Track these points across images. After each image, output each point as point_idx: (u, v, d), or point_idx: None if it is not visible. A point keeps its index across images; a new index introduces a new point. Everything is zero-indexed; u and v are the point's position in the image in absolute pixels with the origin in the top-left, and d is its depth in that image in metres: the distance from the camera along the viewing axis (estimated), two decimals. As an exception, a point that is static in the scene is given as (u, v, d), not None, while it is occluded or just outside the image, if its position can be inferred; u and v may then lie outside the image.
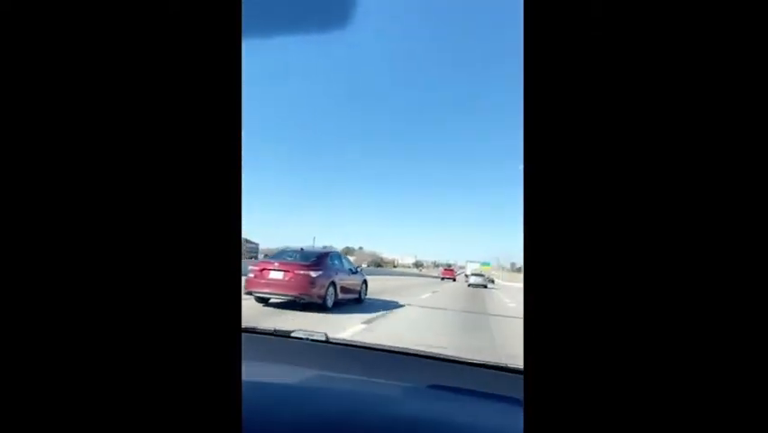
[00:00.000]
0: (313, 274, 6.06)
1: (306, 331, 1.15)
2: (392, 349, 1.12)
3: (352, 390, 0.78)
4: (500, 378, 0.96)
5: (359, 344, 1.19)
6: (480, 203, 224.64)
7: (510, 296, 15.43)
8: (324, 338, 1.12)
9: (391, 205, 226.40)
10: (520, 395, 0.70)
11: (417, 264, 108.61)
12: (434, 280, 30.33)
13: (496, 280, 45.95)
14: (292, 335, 1.14)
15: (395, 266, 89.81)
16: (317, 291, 6.06)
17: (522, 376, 0.75)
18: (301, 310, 5.81)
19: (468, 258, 77.65)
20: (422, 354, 1.09)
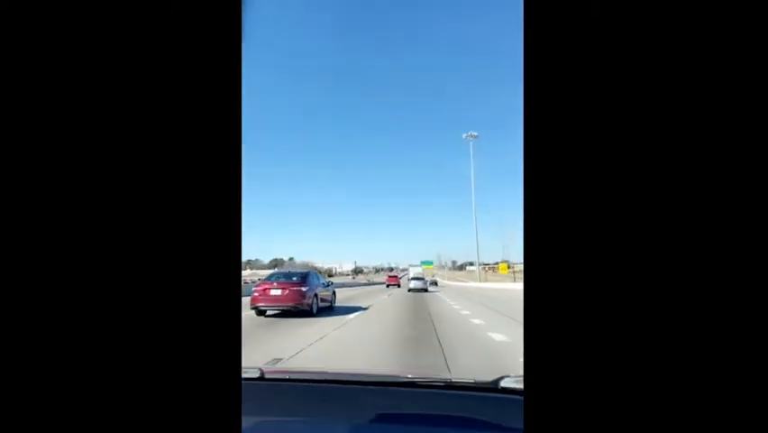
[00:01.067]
0: (303, 289, 8.85)
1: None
2: (334, 379, 1.14)
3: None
4: (447, 397, 1.00)
5: (298, 377, 1.21)
6: (420, 204, 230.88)
7: (451, 298, 17.57)
8: (258, 375, 1.09)
9: (324, 212, 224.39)
10: (469, 414, 0.84)
11: (357, 271, 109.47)
12: (377, 287, 31.78)
13: (439, 281, 45.88)
14: None
15: (330, 275, 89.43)
16: (307, 301, 8.81)
17: (471, 393, 1.00)
18: (295, 317, 8.34)
19: (410, 261, 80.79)
20: (365, 381, 1.12)
